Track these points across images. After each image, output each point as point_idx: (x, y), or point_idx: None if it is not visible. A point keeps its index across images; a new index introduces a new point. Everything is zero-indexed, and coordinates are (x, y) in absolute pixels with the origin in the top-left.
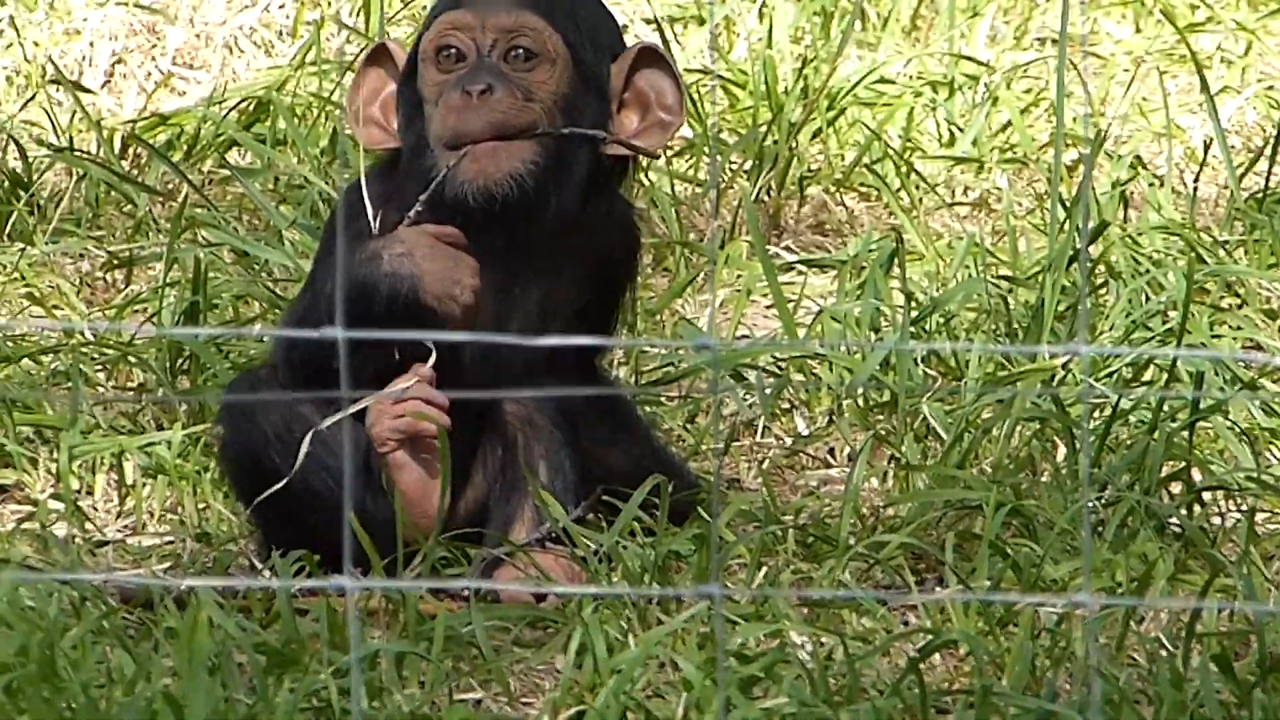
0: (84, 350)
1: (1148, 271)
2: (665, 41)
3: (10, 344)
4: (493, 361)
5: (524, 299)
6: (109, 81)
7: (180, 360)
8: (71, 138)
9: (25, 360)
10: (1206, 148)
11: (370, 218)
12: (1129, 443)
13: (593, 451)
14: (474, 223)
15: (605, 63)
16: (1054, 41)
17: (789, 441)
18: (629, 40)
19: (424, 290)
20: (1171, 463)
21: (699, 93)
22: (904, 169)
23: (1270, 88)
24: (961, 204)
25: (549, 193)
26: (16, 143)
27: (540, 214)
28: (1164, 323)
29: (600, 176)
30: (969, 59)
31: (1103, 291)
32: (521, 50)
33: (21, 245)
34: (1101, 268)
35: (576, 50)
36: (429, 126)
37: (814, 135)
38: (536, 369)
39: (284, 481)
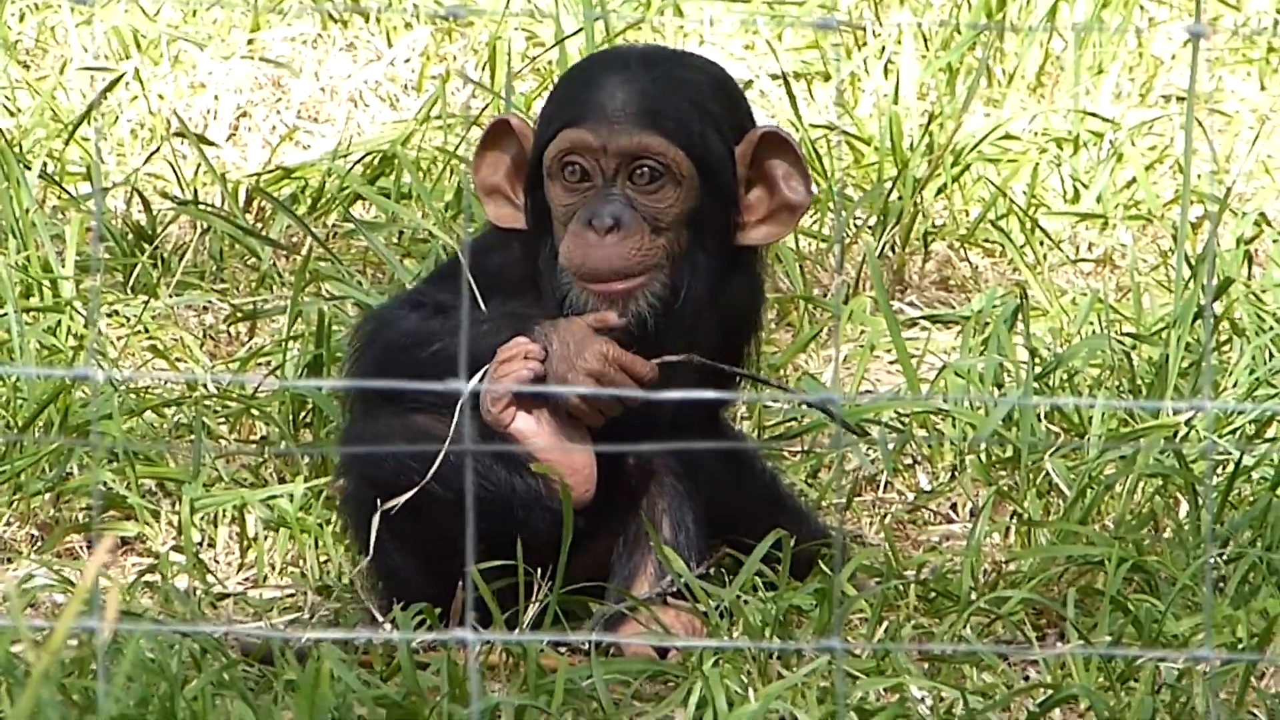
0: (207, 403)
1: (1271, 328)
2: (792, 97)
3: (134, 396)
4: (619, 416)
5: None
6: (233, 135)
7: (303, 413)
8: (196, 191)
9: (148, 413)
10: None
11: (478, 298)
12: (1251, 499)
13: (720, 503)
14: None
15: (730, 157)
16: (1179, 99)
17: (911, 497)
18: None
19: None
20: None
21: (826, 147)
22: (1028, 225)
23: None
24: (1086, 260)
25: (677, 302)
26: (141, 195)
27: (671, 320)
28: None
29: (730, 266)
30: (1094, 115)
31: (1226, 348)
32: (646, 171)
33: (145, 298)
34: (1225, 324)
35: (702, 163)
36: (556, 236)
37: (939, 191)
38: (661, 423)
39: (416, 488)
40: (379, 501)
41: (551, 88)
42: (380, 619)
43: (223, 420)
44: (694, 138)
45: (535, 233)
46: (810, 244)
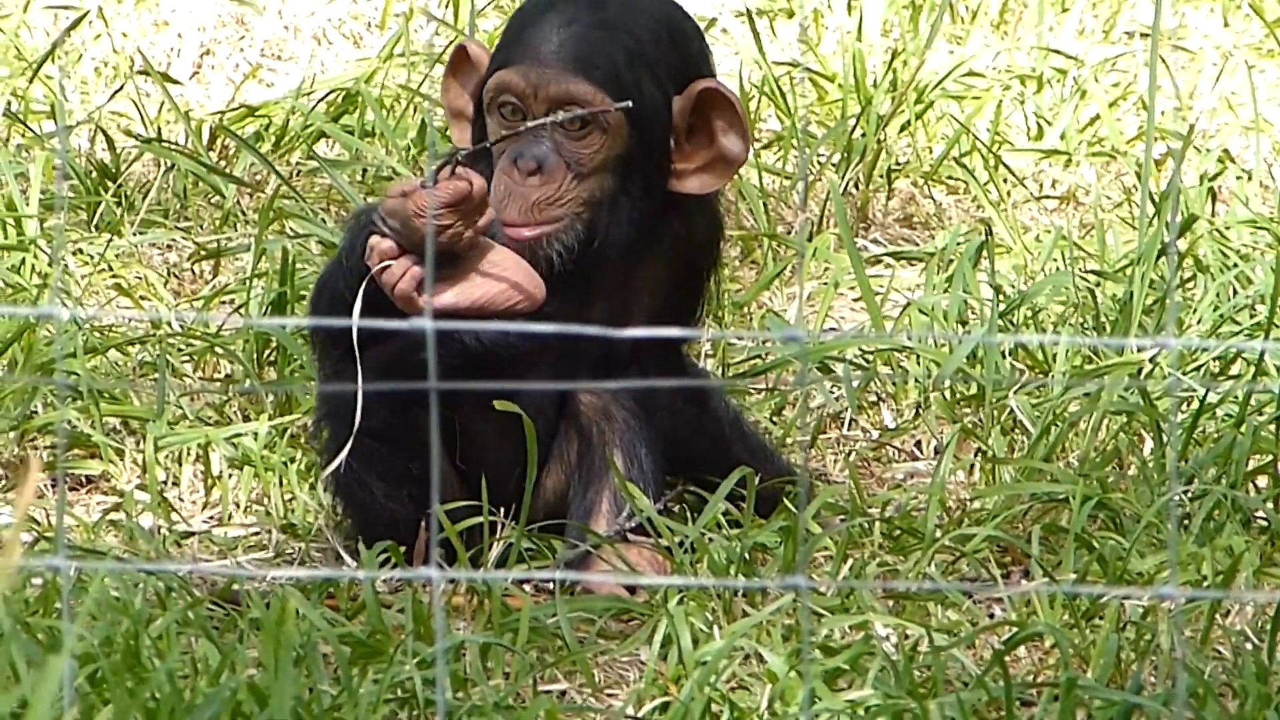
0: (171, 341)
1: (1235, 265)
2: (756, 34)
3: (98, 335)
4: (571, 352)
5: (602, 293)
6: (197, 73)
7: (267, 351)
8: (160, 129)
9: (112, 351)
10: None
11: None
12: (1216, 436)
13: (680, 441)
14: None
15: (667, 106)
16: (1143, 35)
17: (876, 434)
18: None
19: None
20: (1258, 456)
21: (789, 84)
22: (992, 162)
23: None
24: (1049, 197)
25: (594, 245)
26: (105, 133)
27: (596, 261)
28: (1252, 316)
29: (666, 208)
30: (1057, 52)
31: (1190, 285)
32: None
33: (109, 236)
34: (1189, 261)
35: (632, 111)
36: (495, 166)
37: (902, 128)
38: (618, 359)
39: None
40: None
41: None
42: (345, 558)
43: (187, 359)
44: (624, 86)
45: (480, 156)
46: (774, 181)
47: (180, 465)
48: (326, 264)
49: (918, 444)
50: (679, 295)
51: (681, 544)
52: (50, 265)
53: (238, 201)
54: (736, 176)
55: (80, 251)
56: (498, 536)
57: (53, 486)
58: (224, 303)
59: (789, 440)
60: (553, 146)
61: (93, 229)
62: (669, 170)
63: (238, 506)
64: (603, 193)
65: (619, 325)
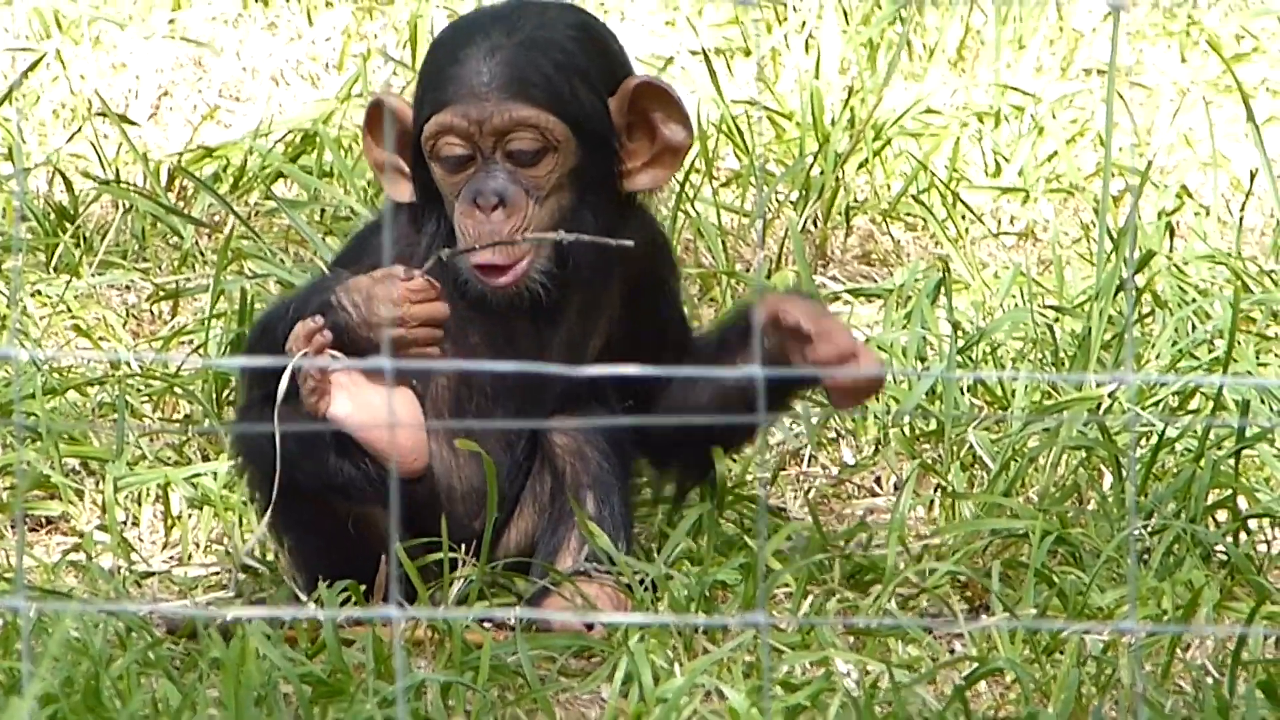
0: (130, 381)
1: (1193, 300)
2: (713, 73)
3: (56, 375)
4: (534, 393)
5: (572, 314)
6: (155, 114)
7: (226, 391)
8: (118, 170)
9: (71, 392)
10: (1252, 177)
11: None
12: (1175, 471)
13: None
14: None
15: (605, 109)
16: (1100, 72)
17: (835, 470)
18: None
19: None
20: (1217, 490)
21: (747, 123)
22: (950, 199)
23: None
24: (1008, 234)
25: (568, 265)
26: (63, 175)
27: (566, 281)
28: (1210, 351)
29: (621, 215)
30: (1015, 89)
31: (1149, 320)
32: (522, 142)
33: (68, 277)
34: (1147, 297)
35: (576, 124)
36: (447, 209)
37: (860, 165)
38: (581, 396)
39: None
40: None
41: (421, 61)
42: (304, 597)
43: (146, 399)
44: (564, 100)
45: (424, 207)
46: (732, 219)
47: (140, 505)
48: (273, 303)
49: (877, 480)
50: (639, 330)
51: (642, 581)
52: (8, 306)
53: (196, 242)
54: (695, 214)
55: (39, 293)
56: (458, 574)
57: (12, 528)
58: (183, 343)
59: (749, 476)
60: (508, 177)
61: (51, 270)
62: (620, 173)
63: (197, 546)
64: (563, 210)
65: (588, 344)
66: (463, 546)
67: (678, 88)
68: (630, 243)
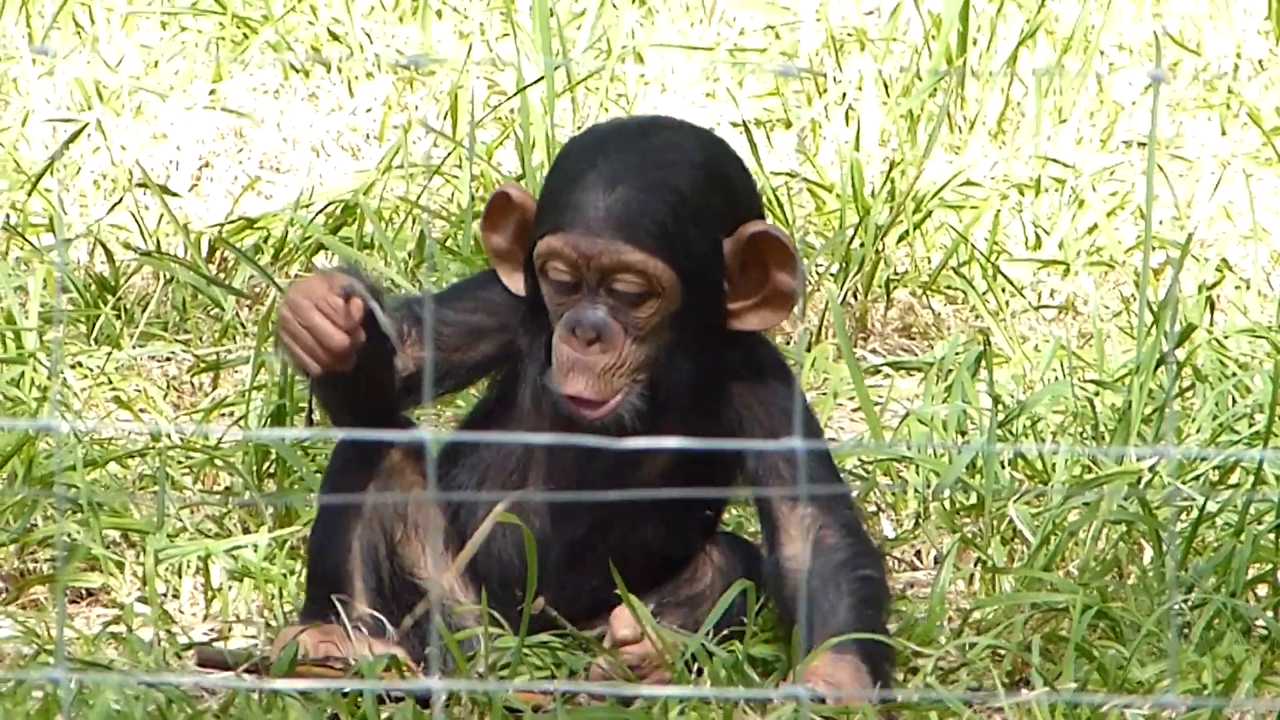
0: (170, 453)
1: (1234, 374)
2: (753, 144)
3: (97, 447)
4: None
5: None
6: (196, 185)
7: (267, 463)
8: (159, 241)
9: (112, 464)
10: None
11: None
12: (1215, 545)
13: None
14: None
15: (717, 251)
16: (1140, 144)
17: (876, 544)
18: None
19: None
20: (1258, 565)
21: (787, 195)
22: (990, 272)
23: None
24: (1048, 307)
25: (659, 399)
26: (104, 246)
27: (655, 413)
28: (1250, 425)
29: (721, 356)
30: (1056, 161)
31: (1189, 395)
32: (626, 284)
33: (109, 349)
34: (1188, 370)
35: (684, 270)
36: (552, 318)
37: (900, 238)
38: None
39: None
40: None
41: (553, 160)
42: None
43: (186, 471)
44: (675, 247)
45: (533, 301)
46: None
47: (180, 577)
48: None
49: (918, 553)
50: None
51: (683, 655)
52: (49, 378)
53: (237, 314)
54: None
55: (79, 364)
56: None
57: (53, 600)
58: (223, 415)
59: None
60: (608, 311)
61: (92, 342)
62: (724, 312)
63: (238, 618)
64: (663, 350)
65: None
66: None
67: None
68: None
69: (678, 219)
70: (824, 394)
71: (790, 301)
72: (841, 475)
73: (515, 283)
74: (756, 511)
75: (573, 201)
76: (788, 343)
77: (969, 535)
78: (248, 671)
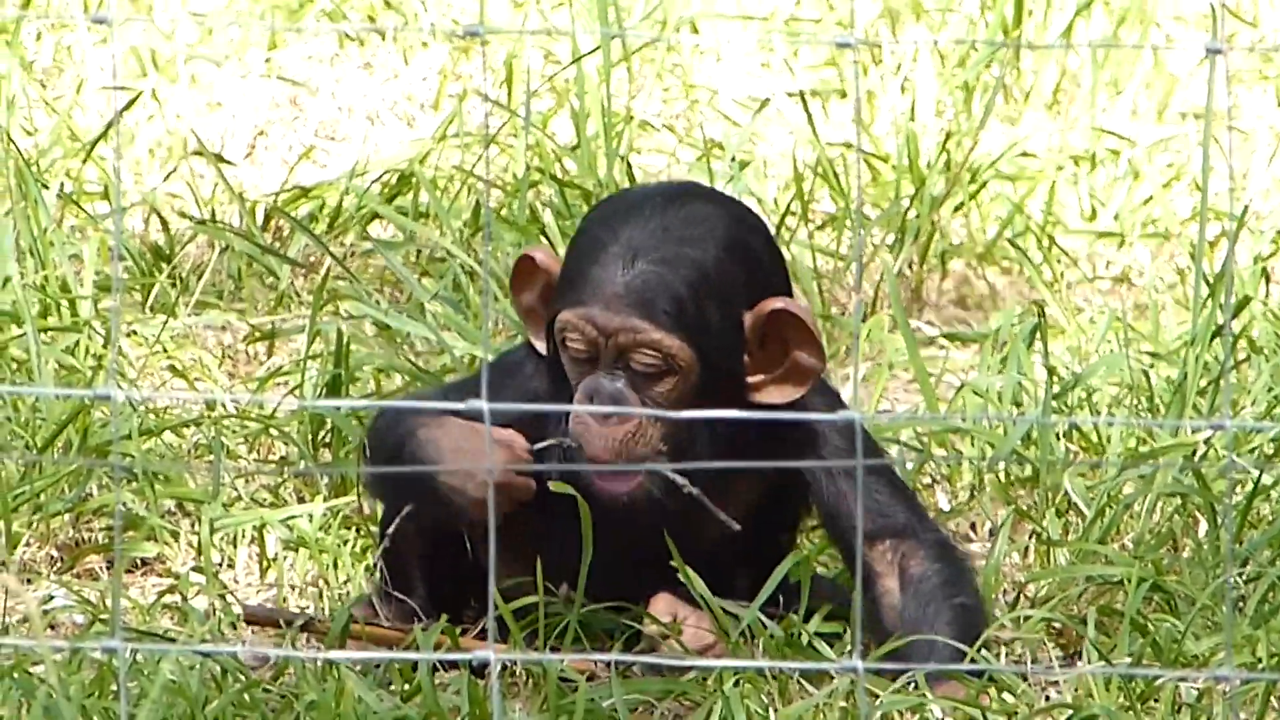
0: (226, 423)
1: None
2: (809, 114)
3: (153, 416)
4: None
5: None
6: (251, 153)
7: (322, 433)
8: (214, 210)
9: (167, 433)
10: None
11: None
12: (1270, 518)
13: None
14: None
15: (737, 326)
16: (1197, 116)
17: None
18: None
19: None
20: None
21: (843, 165)
22: (1046, 243)
23: None
24: (1103, 278)
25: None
26: (159, 215)
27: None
28: None
29: (740, 427)
30: (1111, 133)
31: (1244, 366)
32: (643, 360)
33: (164, 317)
34: (1243, 342)
35: (702, 348)
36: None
37: (956, 209)
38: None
39: None
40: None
41: (578, 225)
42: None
43: (241, 440)
44: (694, 325)
45: (556, 365)
46: (828, 262)
47: (235, 547)
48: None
49: (972, 526)
50: (788, 499)
51: (738, 625)
52: (105, 347)
53: (292, 283)
54: (790, 255)
55: (135, 333)
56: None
57: (108, 569)
58: (279, 384)
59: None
60: (627, 383)
61: (147, 310)
62: (744, 385)
63: (292, 588)
64: (682, 423)
65: (705, 529)
66: (563, 585)
67: (773, 129)
68: (737, 525)
69: (697, 296)
70: (879, 365)
71: (808, 377)
72: (916, 496)
73: (541, 343)
74: (841, 558)
75: (592, 275)
76: (843, 314)
77: (1024, 508)
78: (301, 630)
